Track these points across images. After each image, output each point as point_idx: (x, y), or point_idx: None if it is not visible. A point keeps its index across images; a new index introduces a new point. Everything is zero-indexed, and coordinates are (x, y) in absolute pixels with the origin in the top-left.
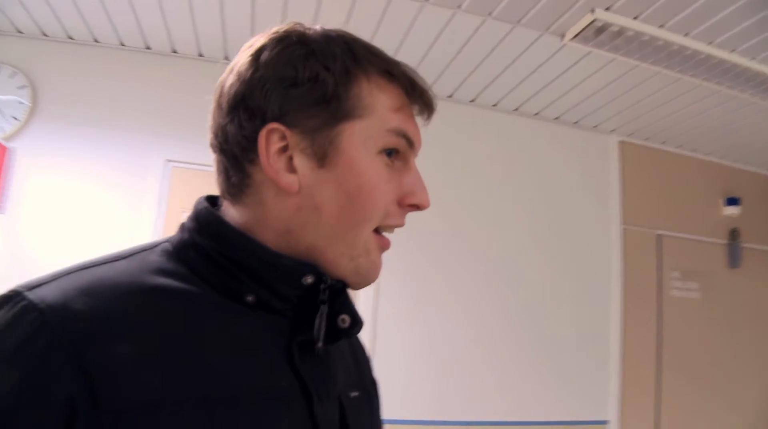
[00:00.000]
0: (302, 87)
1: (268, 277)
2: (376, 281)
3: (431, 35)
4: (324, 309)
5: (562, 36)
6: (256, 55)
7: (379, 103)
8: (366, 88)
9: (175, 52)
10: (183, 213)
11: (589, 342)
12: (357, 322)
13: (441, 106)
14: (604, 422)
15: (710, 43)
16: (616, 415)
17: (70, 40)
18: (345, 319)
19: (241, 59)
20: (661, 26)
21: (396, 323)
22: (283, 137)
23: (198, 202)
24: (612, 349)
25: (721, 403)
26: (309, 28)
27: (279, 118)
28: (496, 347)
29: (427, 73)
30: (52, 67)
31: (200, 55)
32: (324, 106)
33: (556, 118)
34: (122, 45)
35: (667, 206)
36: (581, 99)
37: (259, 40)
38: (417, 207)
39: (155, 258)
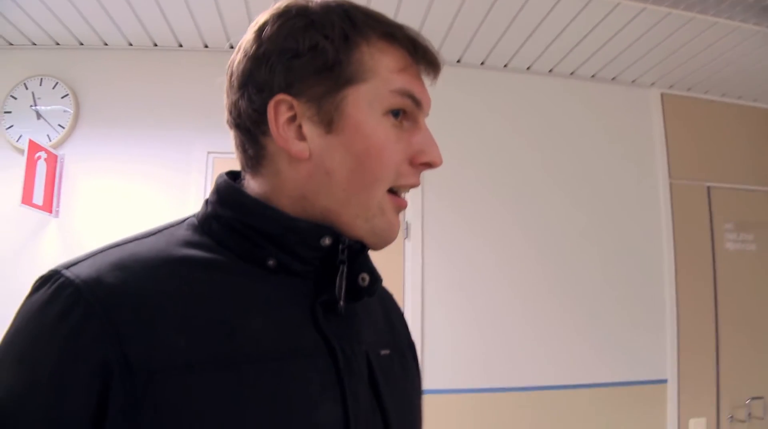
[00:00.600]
0: (304, 57)
1: (287, 241)
2: (422, 253)
3: (453, 6)
4: (343, 268)
5: None
6: (259, 32)
7: (381, 66)
8: (367, 53)
9: (206, 46)
10: None
11: (643, 301)
12: (376, 280)
13: (473, 74)
14: (663, 381)
15: None
16: (674, 373)
17: (105, 46)
18: (364, 278)
19: (247, 37)
20: None
21: (442, 294)
22: (291, 107)
23: (218, 177)
24: (667, 306)
25: None
26: (310, 0)
27: (285, 89)
28: (545, 312)
29: (455, 41)
30: (90, 74)
31: (231, 47)
32: (327, 74)
33: (593, 76)
34: (155, 45)
35: (715, 157)
36: (616, 53)
37: (262, 17)
38: (429, 165)
39: (182, 232)
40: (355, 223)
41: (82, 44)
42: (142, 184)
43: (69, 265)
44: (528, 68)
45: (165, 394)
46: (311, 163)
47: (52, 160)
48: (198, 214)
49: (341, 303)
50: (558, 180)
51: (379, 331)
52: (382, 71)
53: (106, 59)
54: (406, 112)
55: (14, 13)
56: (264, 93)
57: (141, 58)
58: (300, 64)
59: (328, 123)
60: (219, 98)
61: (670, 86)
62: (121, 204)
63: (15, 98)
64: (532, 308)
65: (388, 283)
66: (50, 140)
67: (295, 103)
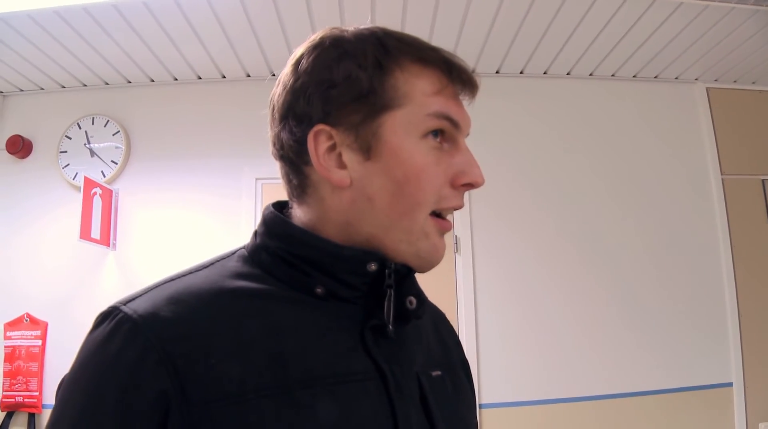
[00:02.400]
0: (339, 87)
1: (333, 268)
2: (473, 267)
3: (490, 13)
4: (391, 293)
5: None
6: (296, 65)
7: (416, 90)
8: (401, 78)
9: (248, 76)
10: None
11: (702, 303)
12: (423, 302)
13: (513, 83)
14: (728, 384)
15: None
16: (739, 376)
17: (152, 83)
18: (412, 301)
19: (285, 70)
20: None
21: (495, 307)
22: (330, 136)
23: (265, 208)
24: (728, 307)
25: None
26: (344, 30)
27: (323, 120)
28: (601, 320)
29: (493, 52)
30: (139, 110)
31: (273, 76)
32: (363, 102)
33: (635, 76)
34: (199, 78)
35: None
36: (656, 51)
37: (298, 50)
38: (471, 185)
39: (233, 264)
40: (399, 247)
41: (129, 82)
42: (193, 213)
43: (127, 301)
44: (568, 73)
45: (221, 422)
46: (353, 190)
47: (107, 195)
48: (247, 245)
49: (390, 327)
50: (606, 184)
51: (431, 352)
52: (417, 95)
53: (153, 95)
54: (445, 134)
55: (65, 58)
56: (303, 124)
57: (186, 91)
58: (336, 94)
59: (367, 150)
60: (264, 126)
61: (715, 80)
62: (175, 233)
63: (70, 138)
64: (588, 316)
65: (440, 299)
66: (104, 176)
67: (333, 132)
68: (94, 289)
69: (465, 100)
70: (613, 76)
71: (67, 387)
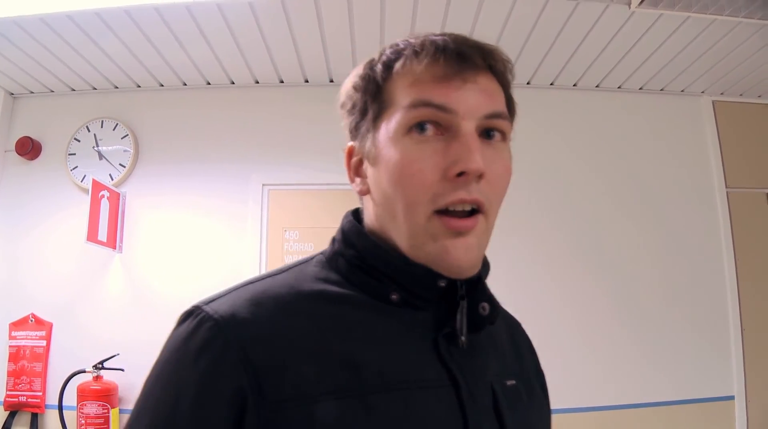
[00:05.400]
0: (349, 108)
1: (405, 281)
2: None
3: (498, 25)
4: (464, 304)
5: (629, 3)
6: None
7: (398, 87)
8: (392, 85)
9: (257, 82)
10: (284, 231)
11: (705, 316)
12: (495, 308)
13: (519, 94)
14: (730, 397)
15: None
16: (741, 389)
17: (161, 87)
18: (485, 307)
19: None
20: None
21: None
22: (356, 152)
23: (344, 217)
24: (731, 320)
25: None
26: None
27: (350, 138)
28: (605, 332)
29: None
30: (148, 114)
31: (281, 82)
32: (364, 116)
33: (641, 89)
34: (208, 84)
35: None
36: (663, 64)
37: None
38: (465, 174)
39: (311, 268)
40: (414, 252)
41: (139, 86)
42: (200, 217)
43: (209, 301)
44: (574, 85)
45: (294, 421)
46: (372, 197)
47: (115, 198)
48: (325, 251)
49: (462, 338)
50: (611, 195)
51: (506, 360)
52: (398, 92)
53: (162, 99)
54: (438, 124)
55: (75, 60)
56: (345, 143)
57: (195, 96)
58: (349, 114)
59: (372, 157)
60: (271, 132)
61: (722, 93)
62: (181, 237)
63: (78, 141)
64: (592, 328)
65: None
66: (112, 179)
67: (356, 146)
68: (100, 291)
69: (479, 79)
70: (619, 88)
71: (150, 380)
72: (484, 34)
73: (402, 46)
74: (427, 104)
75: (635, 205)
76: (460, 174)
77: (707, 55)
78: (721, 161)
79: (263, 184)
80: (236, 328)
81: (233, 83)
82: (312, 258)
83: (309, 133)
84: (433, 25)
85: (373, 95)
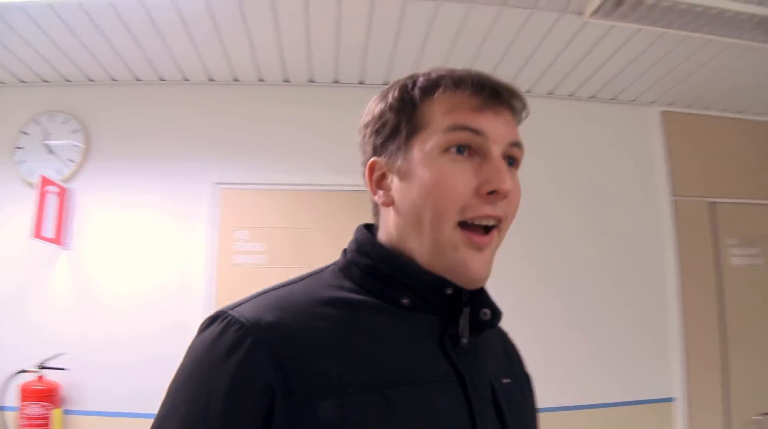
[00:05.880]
0: (378, 126)
1: (416, 287)
2: None
3: (451, 33)
4: (467, 311)
5: (582, 13)
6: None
7: (435, 112)
8: (427, 108)
9: (211, 80)
10: (234, 230)
11: (648, 319)
12: (496, 313)
13: None
14: (670, 399)
15: None
16: (682, 391)
17: (114, 82)
18: (486, 313)
19: None
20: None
21: None
22: (379, 166)
23: (357, 229)
24: (672, 324)
25: None
26: (400, 79)
27: (374, 153)
28: (550, 334)
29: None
30: (100, 109)
31: (235, 80)
32: (396, 134)
33: (592, 97)
34: (161, 80)
35: (718, 172)
36: (614, 74)
37: None
38: (496, 193)
39: (327, 276)
40: (433, 260)
41: (91, 80)
42: (150, 216)
43: (233, 307)
44: (528, 91)
45: (321, 413)
46: (396, 209)
47: (63, 194)
48: (338, 262)
49: (464, 340)
50: (562, 201)
51: (499, 361)
52: (436, 116)
53: (114, 95)
54: (471, 147)
55: (25, 51)
56: (364, 158)
57: (148, 92)
58: (378, 131)
59: (402, 172)
60: (225, 130)
61: (671, 104)
62: (130, 235)
63: (27, 134)
64: (538, 330)
65: None
66: (61, 174)
67: (381, 162)
68: (46, 288)
69: (505, 113)
70: (570, 96)
71: (178, 381)
72: (437, 41)
73: (435, 76)
74: (465, 128)
75: (586, 211)
76: (491, 192)
77: (657, 67)
78: (668, 170)
79: (215, 183)
80: (263, 329)
81: (187, 80)
82: (326, 268)
83: (263, 132)
84: (388, 28)
85: (409, 117)
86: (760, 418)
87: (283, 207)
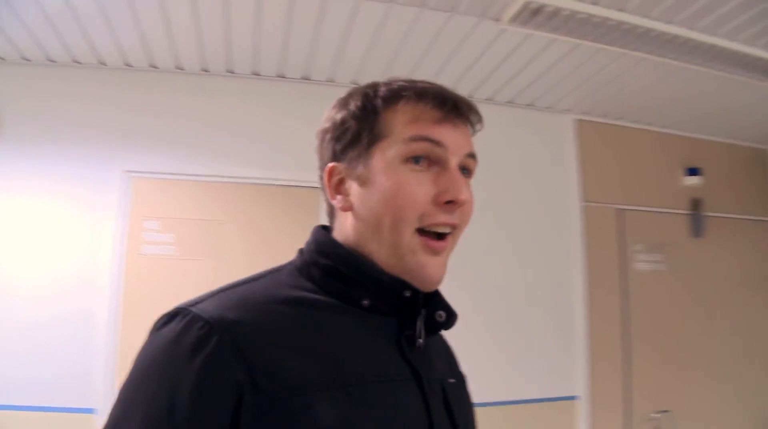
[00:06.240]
0: (339, 132)
1: (375, 289)
2: None
3: (368, 34)
4: (423, 312)
5: (499, 20)
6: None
7: (397, 122)
8: (389, 116)
9: (128, 65)
10: (144, 220)
11: (555, 320)
12: (452, 315)
13: None
14: (574, 397)
15: (646, 16)
16: (585, 390)
17: (27, 62)
18: (441, 315)
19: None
20: (594, 3)
21: None
22: (338, 171)
23: (317, 230)
24: (577, 324)
25: (693, 372)
26: (359, 86)
27: (333, 158)
28: (462, 331)
29: (370, 75)
30: (9, 90)
31: (152, 66)
32: (357, 141)
33: (509, 102)
34: (77, 63)
35: (628, 181)
36: (531, 81)
37: None
38: (453, 203)
39: (285, 276)
40: (390, 262)
41: (2, 59)
42: (58, 202)
43: (193, 304)
44: None
45: (287, 410)
46: (354, 214)
47: None
48: (295, 262)
49: (420, 341)
50: (476, 203)
51: (444, 363)
52: (397, 126)
53: (26, 75)
54: (430, 158)
55: None
56: (323, 163)
57: (62, 75)
58: (338, 138)
59: (362, 178)
60: (140, 118)
61: (586, 113)
62: (37, 223)
63: None
64: (459, 330)
65: None
66: None
67: (340, 167)
68: None
69: (462, 126)
70: (487, 100)
71: (134, 380)
72: (355, 43)
73: (397, 86)
74: (426, 139)
75: (500, 213)
76: (449, 202)
77: (573, 76)
78: (579, 176)
79: (126, 171)
80: (227, 326)
81: (104, 65)
82: (282, 267)
83: (179, 122)
84: (305, 29)
85: (371, 125)
86: (658, 415)
87: (196, 198)
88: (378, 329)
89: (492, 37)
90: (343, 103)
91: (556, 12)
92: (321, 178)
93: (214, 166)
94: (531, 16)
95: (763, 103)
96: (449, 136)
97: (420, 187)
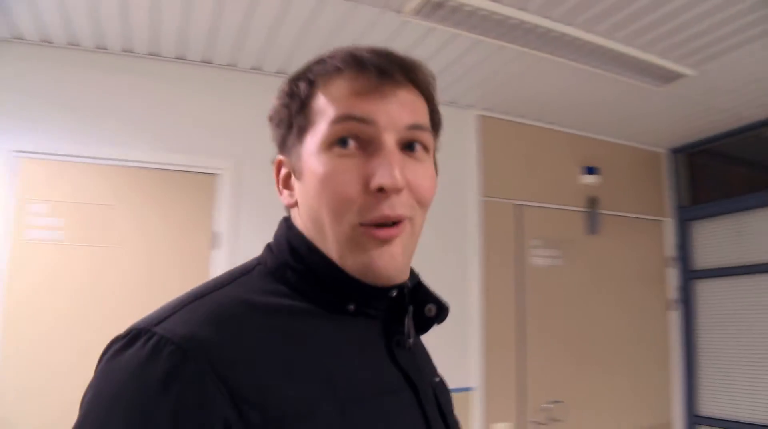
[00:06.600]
0: (276, 122)
1: (358, 292)
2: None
3: (267, 23)
4: (410, 309)
5: (401, 12)
6: None
7: (321, 103)
8: (313, 98)
9: (18, 38)
10: (29, 203)
11: (451, 312)
12: (443, 308)
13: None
14: (469, 389)
15: (547, 16)
16: (480, 382)
17: None
18: (431, 309)
19: None
20: (496, 0)
21: None
22: (285, 165)
23: (285, 227)
24: (473, 317)
25: (585, 364)
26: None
27: (279, 151)
28: None
29: (271, 62)
30: None
31: (44, 41)
32: (289, 129)
33: None
34: None
35: (527, 178)
36: (434, 74)
37: None
38: (382, 190)
39: (255, 280)
40: (344, 261)
41: None
42: None
43: (156, 323)
44: None
45: None
46: (299, 210)
47: None
48: (264, 260)
49: (410, 340)
50: None
51: (425, 358)
52: (323, 108)
53: None
54: (360, 139)
55: None
56: (274, 155)
57: None
58: (276, 128)
59: (298, 171)
60: (28, 96)
61: (488, 109)
62: None
63: None
64: None
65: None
66: None
67: (285, 160)
68: None
69: (399, 92)
70: None
71: (94, 418)
72: (256, 30)
73: (320, 62)
74: (348, 118)
75: None
76: (379, 190)
77: (475, 72)
78: (479, 171)
79: (14, 151)
80: (204, 352)
81: None
82: (250, 269)
83: (71, 101)
84: (204, 13)
85: (298, 110)
86: (551, 405)
87: (87, 182)
88: (364, 335)
89: (394, 29)
90: (282, 88)
91: (459, 7)
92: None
93: (108, 149)
94: (433, 9)
95: (659, 108)
96: (376, 108)
97: (348, 174)
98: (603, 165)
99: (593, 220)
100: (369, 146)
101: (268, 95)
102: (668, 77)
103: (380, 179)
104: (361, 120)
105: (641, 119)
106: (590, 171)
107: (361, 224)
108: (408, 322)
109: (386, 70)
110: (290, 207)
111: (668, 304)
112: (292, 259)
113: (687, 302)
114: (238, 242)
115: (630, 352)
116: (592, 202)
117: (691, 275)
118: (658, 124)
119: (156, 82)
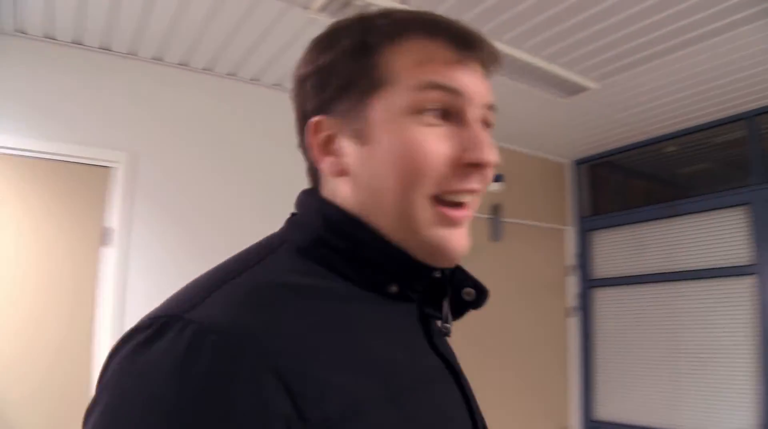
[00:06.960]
0: (325, 76)
1: (402, 273)
2: (126, 263)
3: (169, 13)
4: (449, 292)
5: (308, 8)
6: (302, 56)
7: (403, 65)
8: (390, 57)
9: None
10: None
11: None
12: (482, 291)
13: (198, 80)
14: None
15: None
16: None
17: None
18: (470, 292)
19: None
20: (404, 2)
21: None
22: (326, 127)
23: (316, 199)
24: None
25: (486, 370)
26: (343, 20)
27: (318, 110)
28: None
29: (176, 50)
30: None
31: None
32: (350, 88)
33: (252, 80)
34: None
35: None
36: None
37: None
38: (477, 165)
39: (286, 259)
40: (404, 236)
41: None
42: None
43: (188, 308)
44: (255, 80)
45: None
46: (352, 179)
47: None
48: (287, 237)
49: (448, 324)
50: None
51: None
52: (403, 69)
53: None
54: (446, 109)
55: None
56: (305, 116)
57: None
58: (324, 84)
59: (360, 135)
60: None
61: None
62: None
63: None
64: None
65: (77, 291)
66: None
67: (329, 122)
68: None
69: (479, 69)
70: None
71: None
72: (156, 22)
73: (400, 17)
74: (440, 87)
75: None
76: (472, 164)
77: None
78: None
79: None
80: (253, 342)
81: None
82: (276, 246)
83: None
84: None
85: (368, 69)
86: None
87: None
88: (405, 318)
89: (300, 26)
90: (328, 41)
91: (366, 6)
92: (303, 134)
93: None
94: (341, 7)
95: (564, 119)
96: (469, 82)
97: (437, 145)
98: (507, 173)
99: (496, 227)
100: (453, 118)
101: (168, 87)
102: (573, 89)
103: (479, 155)
104: (452, 91)
105: (546, 129)
106: (495, 178)
107: (432, 198)
108: (446, 306)
109: (477, 43)
110: (337, 175)
111: (567, 312)
112: (330, 234)
113: (585, 309)
114: (130, 239)
115: (530, 358)
116: (496, 210)
117: (589, 284)
118: (562, 135)
119: (50, 67)
